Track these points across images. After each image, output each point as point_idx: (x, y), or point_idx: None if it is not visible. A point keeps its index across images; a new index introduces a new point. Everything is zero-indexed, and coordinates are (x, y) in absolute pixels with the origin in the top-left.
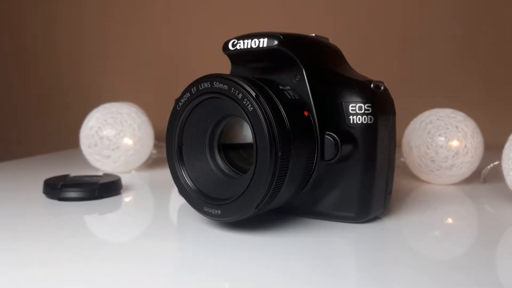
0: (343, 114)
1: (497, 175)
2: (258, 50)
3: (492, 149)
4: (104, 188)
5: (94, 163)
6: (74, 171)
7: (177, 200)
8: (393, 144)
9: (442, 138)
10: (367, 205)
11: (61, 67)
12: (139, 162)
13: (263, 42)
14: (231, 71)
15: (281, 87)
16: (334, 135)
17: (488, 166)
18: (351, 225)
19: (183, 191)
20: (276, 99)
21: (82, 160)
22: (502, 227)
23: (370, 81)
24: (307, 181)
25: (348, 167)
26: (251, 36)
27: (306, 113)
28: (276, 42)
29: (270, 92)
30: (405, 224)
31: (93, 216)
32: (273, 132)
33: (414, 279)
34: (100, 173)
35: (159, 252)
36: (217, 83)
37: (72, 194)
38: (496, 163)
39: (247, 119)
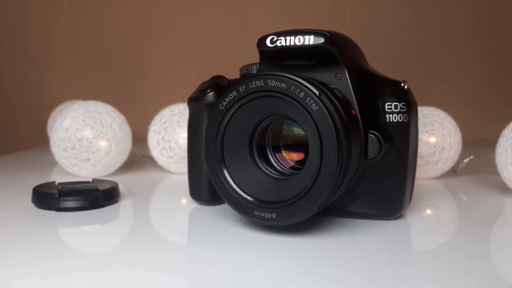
0: (379, 113)
1: (466, 168)
2: (302, 48)
3: None
4: (107, 195)
5: (70, 167)
6: (49, 176)
7: (182, 203)
8: (417, 141)
9: (429, 135)
10: (400, 201)
11: (5, 66)
12: (118, 165)
13: (309, 40)
14: (259, 69)
15: (330, 85)
16: (377, 134)
17: (464, 161)
18: (382, 222)
19: (226, 194)
20: (333, 98)
21: (47, 162)
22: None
23: (398, 80)
24: (351, 181)
25: (383, 165)
26: (294, 33)
27: (353, 112)
28: (323, 40)
29: (327, 91)
30: (431, 221)
31: (96, 226)
32: (339, 133)
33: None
34: (87, 179)
35: (189, 260)
36: (273, 81)
37: (73, 203)
38: (472, 157)
39: (310, 119)
